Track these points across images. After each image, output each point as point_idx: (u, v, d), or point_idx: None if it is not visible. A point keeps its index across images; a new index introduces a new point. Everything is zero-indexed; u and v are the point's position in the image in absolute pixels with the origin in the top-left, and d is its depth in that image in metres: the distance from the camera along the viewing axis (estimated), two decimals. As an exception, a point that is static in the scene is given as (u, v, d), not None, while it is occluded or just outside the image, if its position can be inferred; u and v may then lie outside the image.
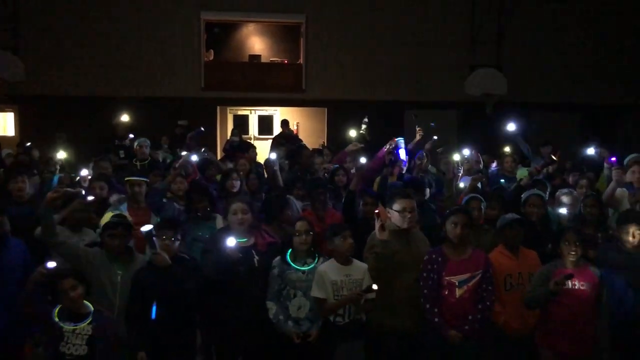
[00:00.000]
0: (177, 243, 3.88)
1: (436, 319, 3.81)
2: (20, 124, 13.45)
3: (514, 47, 13.52)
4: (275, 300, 3.90)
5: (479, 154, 6.98)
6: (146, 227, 3.71)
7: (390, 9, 13.61)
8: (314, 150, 8.10)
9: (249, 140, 12.51)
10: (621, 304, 3.97)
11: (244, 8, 13.72)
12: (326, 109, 14.12)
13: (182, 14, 13.33)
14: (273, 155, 6.44)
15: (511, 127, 7.61)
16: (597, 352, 3.92)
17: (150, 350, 3.63)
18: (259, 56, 14.91)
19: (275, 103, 14.54)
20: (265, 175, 6.84)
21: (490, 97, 13.19)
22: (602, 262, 4.14)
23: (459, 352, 3.79)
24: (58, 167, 7.16)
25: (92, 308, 3.41)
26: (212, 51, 14.52)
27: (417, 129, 7.03)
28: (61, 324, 3.32)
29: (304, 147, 7.37)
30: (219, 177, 6.25)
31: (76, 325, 3.33)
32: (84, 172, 6.14)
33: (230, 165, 7.33)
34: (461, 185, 5.56)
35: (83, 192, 5.04)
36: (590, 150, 6.49)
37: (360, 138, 7.93)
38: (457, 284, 3.83)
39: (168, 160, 7.97)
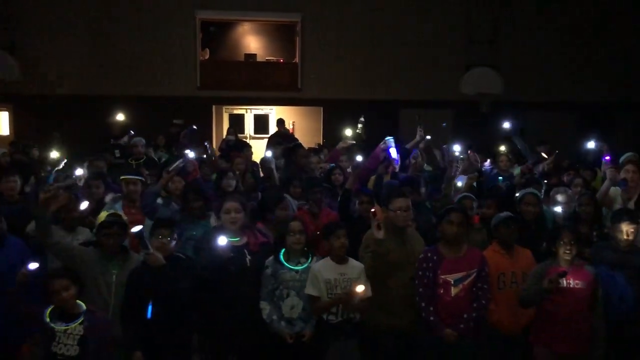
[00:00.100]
0: (174, 242, 3.88)
1: (431, 318, 3.81)
2: (14, 123, 13.41)
3: (509, 46, 13.56)
4: (269, 300, 3.89)
5: (475, 154, 6.99)
6: (136, 228, 3.69)
7: (386, 9, 13.63)
8: (310, 149, 8.10)
9: (244, 140, 12.49)
10: (622, 302, 3.98)
11: (240, 7, 13.71)
12: (322, 108, 14.13)
13: (177, 12, 13.32)
14: (269, 154, 6.44)
15: (507, 126, 7.63)
16: (593, 350, 3.94)
17: (146, 350, 3.62)
18: (254, 55, 14.91)
19: (271, 102, 14.54)
20: (261, 174, 6.84)
21: (486, 97, 13.22)
22: (597, 261, 4.16)
23: (455, 350, 3.80)
24: (62, 165, 7.15)
25: (84, 308, 3.40)
26: (207, 50, 14.51)
27: (419, 129, 7.06)
28: (52, 325, 3.31)
29: (300, 145, 7.37)
30: (214, 176, 6.25)
31: (67, 326, 3.32)
32: (79, 171, 6.12)
33: (226, 164, 7.31)
34: (459, 184, 5.58)
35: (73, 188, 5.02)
36: (591, 144, 6.48)
37: (357, 137, 7.93)
38: (452, 282, 3.83)
39: (163, 159, 7.95)
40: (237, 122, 14.41)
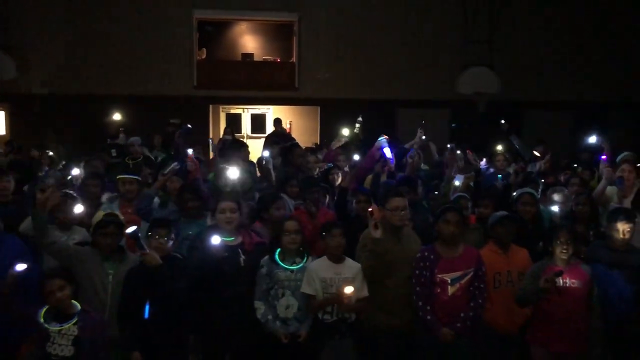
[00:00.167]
0: (171, 242, 3.87)
1: (429, 317, 3.82)
2: (11, 122, 13.37)
3: (505, 46, 13.57)
4: (264, 299, 3.89)
5: (473, 153, 7.00)
6: (131, 229, 3.69)
7: (382, 8, 13.63)
8: (307, 148, 8.09)
9: (241, 139, 12.47)
10: (621, 301, 3.99)
11: (237, 6, 13.70)
12: (319, 108, 14.12)
13: (174, 12, 13.29)
14: (266, 153, 6.43)
15: (504, 125, 7.63)
16: (590, 349, 3.94)
17: (144, 349, 3.61)
18: (251, 54, 14.89)
19: (268, 101, 14.53)
20: (258, 174, 6.83)
21: (482, 96, 13.24)
22: (593, 260, 4.17)
23: (452, 350, 3.80)
24: (60, 166, 7.14)
25: (79, 308, 3.39)
26: (204, 50, 14.49)
27: (420, 131, 7.08)
28: (46, 325, 3.30)
29: (297, 145, 7.37)
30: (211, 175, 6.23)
31: (61, 326, 3.31)
32: (76, 171, 6.10)
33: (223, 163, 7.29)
34: (456, 183, 5.59)
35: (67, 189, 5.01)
36: (592, 139, 6.48)
37: (354, 137, 7.93)
38: (449, 281, 3.84)
39: (159, 159, 7.93)
40: (234, 122, 14.40)
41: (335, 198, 5.29)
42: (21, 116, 13.06)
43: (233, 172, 5.03)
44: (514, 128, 8.62)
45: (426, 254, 3.93)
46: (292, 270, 3.92)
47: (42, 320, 3.32)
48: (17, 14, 12.63)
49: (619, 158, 6.25)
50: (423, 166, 7.03)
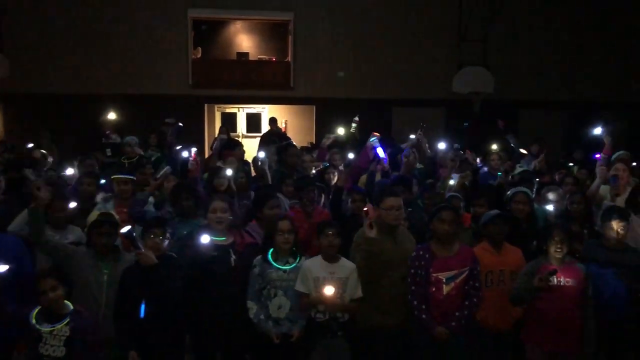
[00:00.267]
0: (166, 242, 3.86)
1: (424, 316, 3.83)
2: (4, 121, 13.30)
3: (501, 45, 13.59)
4: (256, 299, 3.88)
5: (471, 152, 7.03)
6: (126, 228, 3.69)
7: (378, 7, 13.63)
8: (303, 148, 8.09)
9: (237, 138, 12.46)
10: (615, 299, 4.01)
11: (232, 5, 13.67)
12: (314, 107, 14.12)
13: (169, 11, 13.25)
14: (262, 154, 6.44)
15: (501, 124, 7.66)
16: (584, 348, 3.96)
17: (139, 349, 3.61)
18: (246, 54, 14.87)
19: (263, 101, 14.51)
20: (253, 174, 6.83)
21: (478, 95, 13.26)
22: (587, 259, 4.18)
23: (447, 348, 3.81)
24: (49, 164, 7.12)
25: (71, 308, 3.38)
26: (199, 49, 14.45)
27: (419, 132, 7.10)
28: (38, 326, 3.29)
29: (291, 144, 7.39)
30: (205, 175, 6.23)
31: (53, 327, 3.30)
32: (70, 171, 6.08)
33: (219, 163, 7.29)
34: (451, 182, 5.60)
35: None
36: (597, 130, 6.49)
37: (351, 137, 7.94)
38: (444, 280, 3.85)
39: (153, 158, 7.91)
40: (229, 121, 14.38)
41: (330, 197, 5.29)
42: (15, 115, 12.99)
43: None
44: (511, 127, 8.66)
45: (421, 253, 3.93)
46: (284, 270, 3.91)
47: (33, 321, 3.30)
48: (10, 12, 12.56)
49: (613, 157, 6.27)
50: (418, 165, 7.05)
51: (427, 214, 4.52)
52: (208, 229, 3.99)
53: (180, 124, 8.24)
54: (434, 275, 3.86)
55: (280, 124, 13.51)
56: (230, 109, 15.09)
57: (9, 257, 3.78)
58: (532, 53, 13.76)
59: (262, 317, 3.85)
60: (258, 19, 14.77)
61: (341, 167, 6.04)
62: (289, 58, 14.05)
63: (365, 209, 3.85)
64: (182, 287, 3.70)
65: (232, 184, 5.25)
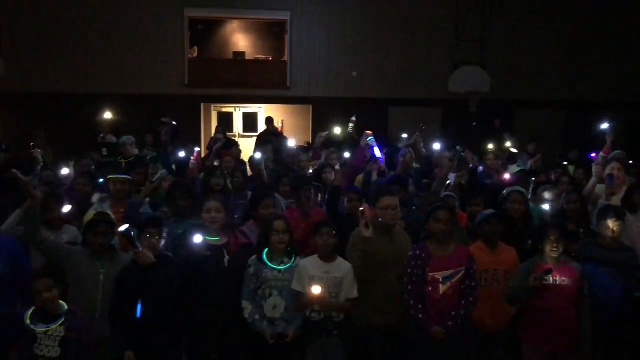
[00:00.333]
0: (163, 242, 3.86)
1: (420, 315, 3.83)
2: (3, 121, 13.24)
3: (497, 45, 13.61)
4: (251, 299, 3.87)
5: (470, 152, 7.05)
6: (123, 227, 3.68)
7: (374, 7, 13.64)
8: (299, 147, 8.10)
9: (233, 138, 12.45)
10: (610, 298, 4.01)
11: (228, 5, 13.67)
12: (311, 107, 14.12)
13: (166, 10, 13.24)
14: (258, 155, 6.44)
15: (498, 123, 7.68)
16: (580, 347, 3.96)
17: (137, 349, 3.60)
18: (243, 53, 14.86)
19: (259, 100, 14.50)
20: (250, 173, 6.83)
21: (474, 95, 13.28)
22: (583, 258, 4.19)
23: (444, 348, 3.82)
24: (41, 162, 7.09)
25: (66, 308, 3.37)
26: (196, 48, 14.44)
27: (417, 135, 7.11)
28: (32, 327, 3.28)
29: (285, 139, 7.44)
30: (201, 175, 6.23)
31: (48, 327, 3.29)
32: (65, 171, 6.07)
33: (215, 162, 7.29)
34: (448, 182, 5.61)
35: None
36: (604, 125, 6.49)
37: (348, 137, 7.96)
38: (441, 280, 3.85)
39: (149, 157, 7.90)
40: (225, 121, 14.34)
41: (327, 196, 5.30)
42: (10, 115, 12.94)
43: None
44: (507, 127, 8.68)
45: (418, 252, 3.94)
46: (279, 270, 3.90)
47: (28, 321, 3.29)
48: (5, 12, 12.53)
49: (610, 156, 6.29)
50: (415, 165, 7.06)
51: (422, 213, 4.53)
52: (202, 228, 3.98)
53: (175, 123, 8.23)
54: (430, 274, 3.86)
55: (277, 124, 13.50)
56: (227, 108, 15.07)
57: (5, 257, 3.79)
58: (530, 53, 13.76)
59: (257, 317, 3.84)
60: (254, 18, 14.77)
61: (337, 167, 6.05)
62: (286, 57, 14.04)
63: (361, 208, 3.85)
64: (178, 287, 3.69)
65: (229, 184, 5.25)
